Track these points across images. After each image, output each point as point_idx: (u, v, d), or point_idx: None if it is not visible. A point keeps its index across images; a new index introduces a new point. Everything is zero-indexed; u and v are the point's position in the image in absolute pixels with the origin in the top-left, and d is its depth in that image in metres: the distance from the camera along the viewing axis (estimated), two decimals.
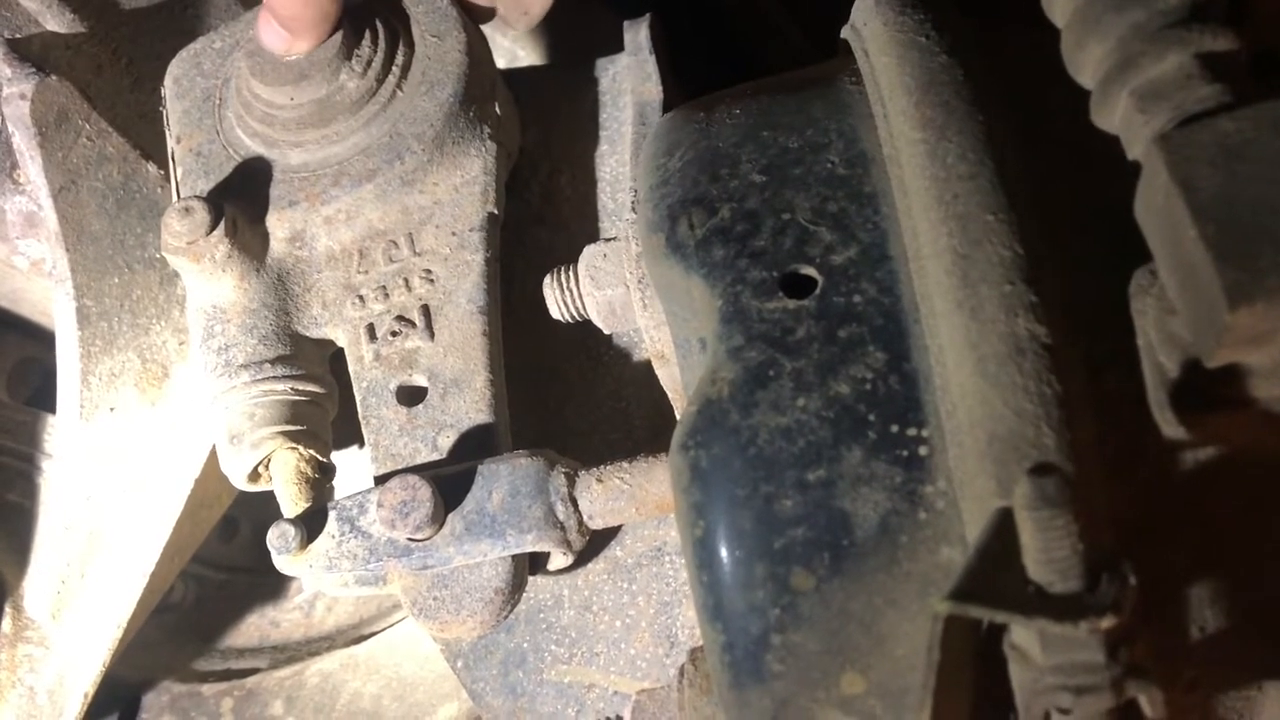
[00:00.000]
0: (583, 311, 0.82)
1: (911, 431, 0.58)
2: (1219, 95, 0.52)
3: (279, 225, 0.86)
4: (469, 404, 0.82)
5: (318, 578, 0.79)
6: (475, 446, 0.81)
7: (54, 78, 0.91)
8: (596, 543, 0.85)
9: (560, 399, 0.93)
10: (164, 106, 0.94)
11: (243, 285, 0.85)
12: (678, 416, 0.70)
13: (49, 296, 0.96)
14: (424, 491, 0.75)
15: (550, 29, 1.21)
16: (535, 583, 0.86)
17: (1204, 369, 0.52)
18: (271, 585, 1.25)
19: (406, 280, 0.86)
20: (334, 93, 0.86)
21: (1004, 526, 0.48)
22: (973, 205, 0.57)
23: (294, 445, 0.83)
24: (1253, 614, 0.57)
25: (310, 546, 0.78)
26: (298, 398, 0.84)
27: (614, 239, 0.80)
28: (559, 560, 0.80)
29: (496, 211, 0.88)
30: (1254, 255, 0.47)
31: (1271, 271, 0.46)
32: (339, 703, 1.16)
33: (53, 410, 0.99)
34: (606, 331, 0.84)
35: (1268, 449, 0.55)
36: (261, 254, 0.86)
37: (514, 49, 1.24)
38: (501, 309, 0.86)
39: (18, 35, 0.91)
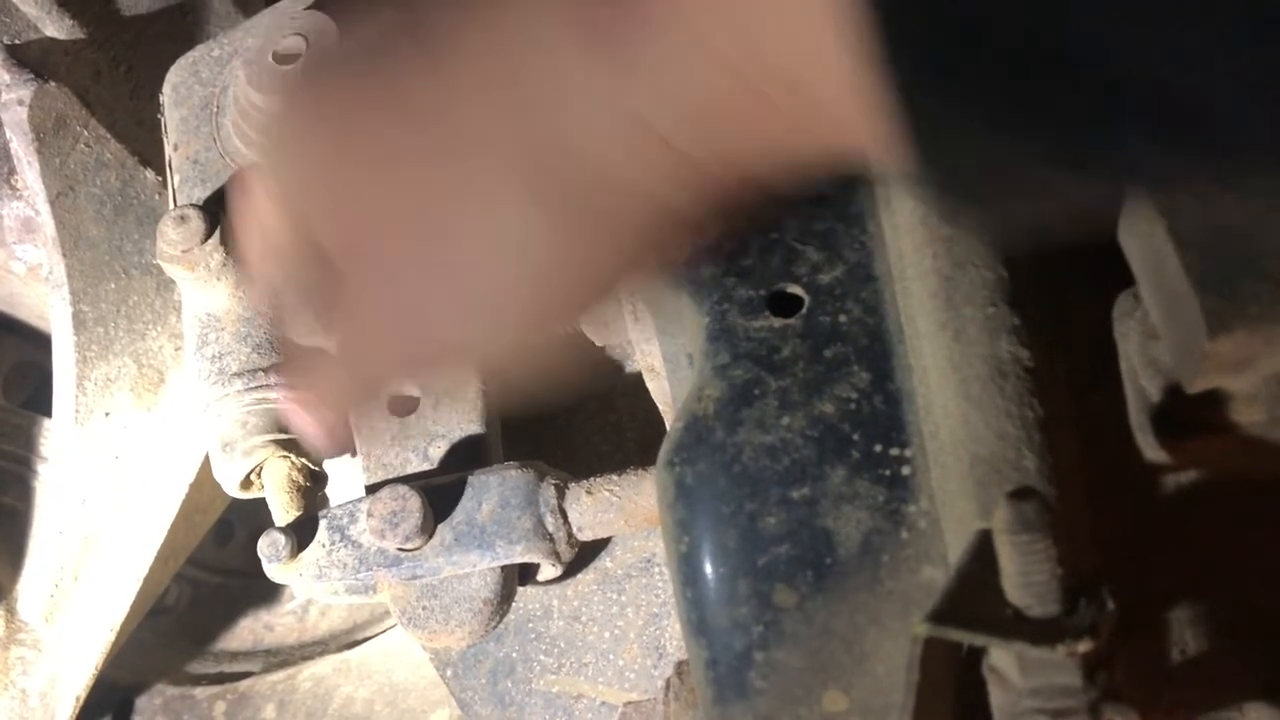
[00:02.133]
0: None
1: (895, 451, 0.58)
2: None
3: None
4: (461, 414, 0.82)
5: (308, 586, 0.79)
6: (466, 457, 0.81)
7: (52, 84, 0.92)
8: (586, 554, 0.85)
9: (552, 410, 0.93)
10: (162, 113, 0.94)
11: (237, 294, 0.85)
12: (669, 430, 0.70)
13: (46, 301, 0.97)
14: (414, 502, 0.75)
15: None
16: (524, 593, 0.86)
17: (1186, 394, 0.52)
18: (265, 589, 1.25)
19: None
20: None
21: (984, 549, 0.48)
22: None
23: (286, 454, 0.83)
24: (1233, 636, 0.57)
25: (301, 555, 0.78)
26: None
27: None
28: (548, 571, 0.81)
29: None
30: (1235, 283, 0.47)
31: (1252, 300, 0.47)
32: (331, 707, 1.16)
33: (48, 414, 0.99)
34: (599, 344, 0.84)
35: (1248, 472, 0.55)
36: None
37: None
38: None
39: (17, 41, 0.92)
